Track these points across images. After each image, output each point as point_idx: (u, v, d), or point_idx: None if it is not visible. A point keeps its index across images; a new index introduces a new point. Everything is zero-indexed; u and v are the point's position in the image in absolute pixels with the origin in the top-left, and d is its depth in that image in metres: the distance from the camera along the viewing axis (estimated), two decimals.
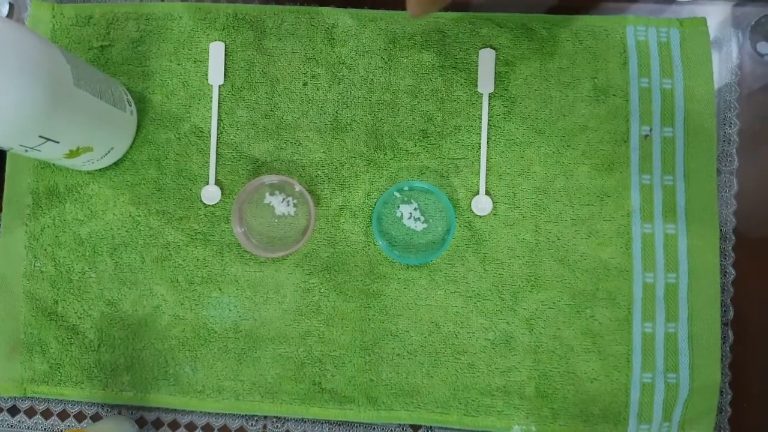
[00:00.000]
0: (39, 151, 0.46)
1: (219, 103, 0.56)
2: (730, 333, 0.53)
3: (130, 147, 0.56)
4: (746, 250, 0.54)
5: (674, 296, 0.53)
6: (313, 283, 0.54)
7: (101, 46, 0.57)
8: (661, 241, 0.53)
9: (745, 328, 0.53)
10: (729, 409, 0.53)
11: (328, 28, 0.56)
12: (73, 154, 0.49)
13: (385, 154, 0.55)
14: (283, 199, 0.55)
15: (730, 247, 0.54)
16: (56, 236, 0.56)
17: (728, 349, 0.53)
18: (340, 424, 0.54)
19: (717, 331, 0.52)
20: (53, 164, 0.56)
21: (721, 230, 0.54)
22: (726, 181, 0.54)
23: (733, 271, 0.54)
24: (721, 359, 0.53)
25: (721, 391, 0.53)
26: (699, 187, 0.53)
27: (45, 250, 0.56)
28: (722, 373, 0.53)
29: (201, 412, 0.55)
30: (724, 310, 0.53)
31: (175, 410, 0.55)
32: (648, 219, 0.53)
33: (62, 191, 0.56)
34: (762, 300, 0.54)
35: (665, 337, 0.52)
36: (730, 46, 0.56)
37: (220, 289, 0.55)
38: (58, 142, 0.46)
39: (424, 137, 0.55)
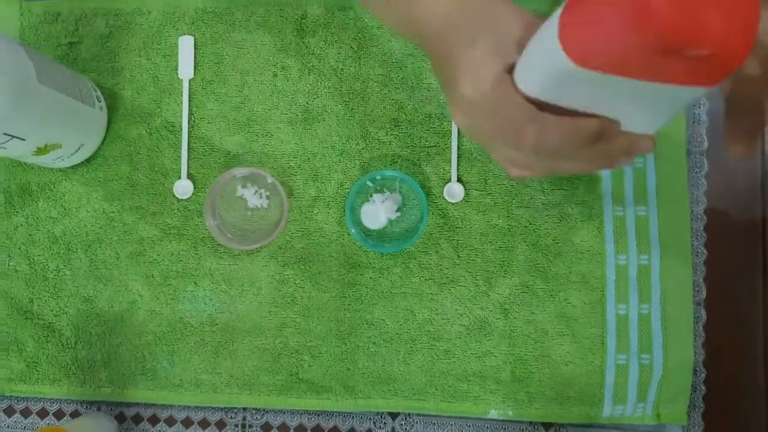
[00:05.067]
0: (5, 148, 0.45)
1: (189, 97, 0.56)
2: (703, 312, 0.53)
3: (102, 143, 0.56)
4: (717, 229, 0.54)
5: (647, 277, 0.53)
6: (288, 275, 0.54)
7: (70, 42, 0.57)
8: (632, 223, 0.53)
9: (718, 307, 0.53)
10: (703, 388, 0.53)
11: (297, 18, 0.56)
12: (41, 151, 0.49)
13: (357, 143, 0.55)
14: (256, 191, 0.55)
15: (702, 227, 0.54)
16: (30, 234, 0.56)
17: (702, 328, 0.53)
18: (318, 414, 0.54)
19: (690, 310, 0.52)
20: (24, 162, 0.56)
21: (692, 210, 0.54)
22: (696, 162, 0.55)
23: (704, 251, 0.54)
24: (695, 338, 0.53)
25: (695, 370, 0.53)
26: (669, 169, 0.54)
27: (19, 248, 0.56)
28: (696, 352, 0.53)
29: (180, 406, 0.55)
30: (697, 290, 0.54)
31: (154, 405, 0.55)
32: (619, 201, 0.54)
33: (35, 189, 0.56)
34: (734, 279, 0.54)
35: (639, 319, 0.53)
36: None
37: (195, 283, 0.55)
38: (24, 140, 0.46)
39: (395, 126, 0.55)
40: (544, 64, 0.30)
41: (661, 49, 0.25)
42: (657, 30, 0.24)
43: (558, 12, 0.29)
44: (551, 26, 0.29)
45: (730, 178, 0.54)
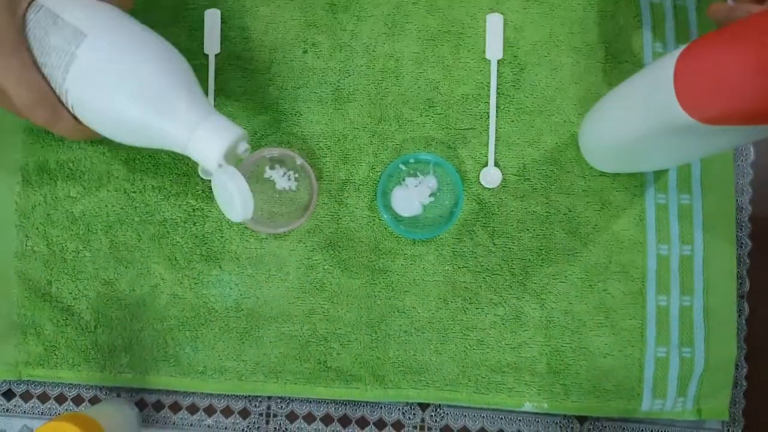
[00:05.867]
0: None
1: (215, 73, 0.54)
2: (746, 306, 0.52)
3: None
4: (763, 220, 0.52)
5: (689, 268, 0.51)
6: (316, 260, 0.52)
7: None
8: (675, 212, 0.52)
9: (761, 300, 0.52)
10: (745, 383, 0.52)
11: None
12: None
13: (390, 125, 0.53)
14: (284, 173, 0.53)
15: (746, 218, 0.52)
16: (48, 214, 0.54)
17: (744, 322, 0.52)
18: (345, 404, 0.53)
19: (733, 303, 0.51)
20: (43, 140, 0.54)
21: (737, 200, 0.52)
22: (742, 150, 0.53)
23: (749, 243, 0.52)
24: (738, 332, 0.51)
25: (737, 365, 0.51)
26: (714, 156, 0.52)
27: (37, 229, 0.54)
28: (738, 346, 0.51)
29: (203, 393, 0.53)
30: (740, 283, 0.52)
31: (176, 392, 0.54)
32: (662, 189, 0.52)
33: (53, 167, 0.54)
34: None
35: (680, 311, 0.51)
36: None
37: (220, 267, 0.53)
38: None
39: (430, 107, 0.53)
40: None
41: None
42: None
43: (671, 62, 0.28)
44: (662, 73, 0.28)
45: None
